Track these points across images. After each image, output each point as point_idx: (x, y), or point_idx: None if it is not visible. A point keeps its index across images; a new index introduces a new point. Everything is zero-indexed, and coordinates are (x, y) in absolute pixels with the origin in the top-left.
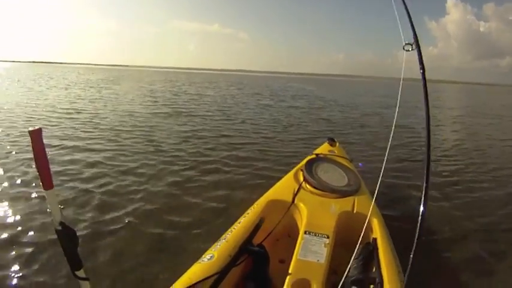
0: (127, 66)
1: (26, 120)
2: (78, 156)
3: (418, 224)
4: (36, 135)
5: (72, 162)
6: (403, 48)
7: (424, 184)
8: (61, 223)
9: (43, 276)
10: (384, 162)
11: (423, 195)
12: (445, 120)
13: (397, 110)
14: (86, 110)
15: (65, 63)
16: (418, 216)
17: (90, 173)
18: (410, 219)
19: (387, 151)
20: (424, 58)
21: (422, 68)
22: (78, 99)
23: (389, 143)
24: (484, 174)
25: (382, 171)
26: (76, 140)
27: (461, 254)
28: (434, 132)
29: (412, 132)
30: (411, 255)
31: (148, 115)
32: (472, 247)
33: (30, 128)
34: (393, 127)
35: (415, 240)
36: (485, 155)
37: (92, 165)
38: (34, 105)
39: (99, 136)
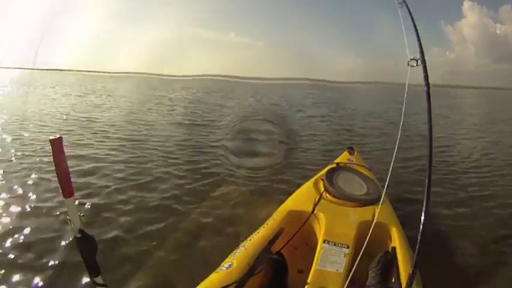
0: (143, 73)
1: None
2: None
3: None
4: (56, 144)
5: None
6: (408, 64)
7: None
8: (80, 230)
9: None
10: (391, 168)
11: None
12: (467, 127)
13: (401, 123)
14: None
15: (67, 69)
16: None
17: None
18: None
19: (394, 155)
20: (440, 63)
21: (427, 84)
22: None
23: (396, 149)
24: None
25: (389, 176)
26: None
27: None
28: (456, 140)
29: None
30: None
31: (168, 124)
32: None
33: (51, 137)
34: (398, 136)
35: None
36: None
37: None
38: None
39: None
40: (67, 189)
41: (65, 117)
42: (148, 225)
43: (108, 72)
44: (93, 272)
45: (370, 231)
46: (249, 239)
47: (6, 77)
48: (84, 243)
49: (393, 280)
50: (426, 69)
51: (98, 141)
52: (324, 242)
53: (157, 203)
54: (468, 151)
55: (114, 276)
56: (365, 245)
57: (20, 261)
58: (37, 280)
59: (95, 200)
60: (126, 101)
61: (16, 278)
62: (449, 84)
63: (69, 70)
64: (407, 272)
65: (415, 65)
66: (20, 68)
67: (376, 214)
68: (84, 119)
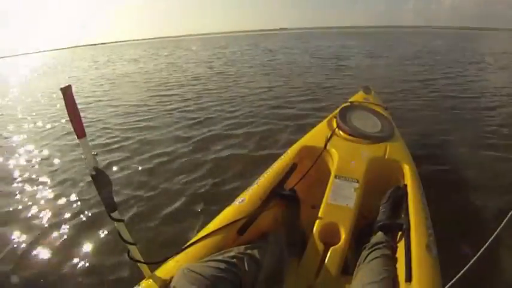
0: (169, 37)
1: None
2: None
3: None
4: (67, 91)
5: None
6: None
7: None
8: (95, 168)
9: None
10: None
11: None
12: None
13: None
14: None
15: (106, 43)
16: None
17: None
18: (445, 167)
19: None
20: None
21: None
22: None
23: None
24: None
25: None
26: None
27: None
28: None
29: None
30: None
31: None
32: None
33: (62, 86)
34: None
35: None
36: None
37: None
38: None
39: None
40: (79, 129)
41: None
42: None
43: (137, 40)
44: (110, 207)
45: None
46: (262, 175)
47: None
48: (99, 180)
49: (402, 216)
50: None
51: None
52: (335, 177)
53: None
54: None
55: None
56: (376, 181)
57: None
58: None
59: None
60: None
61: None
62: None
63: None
64: (417, 208)
65: None
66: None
67: (388, 151)
68: None
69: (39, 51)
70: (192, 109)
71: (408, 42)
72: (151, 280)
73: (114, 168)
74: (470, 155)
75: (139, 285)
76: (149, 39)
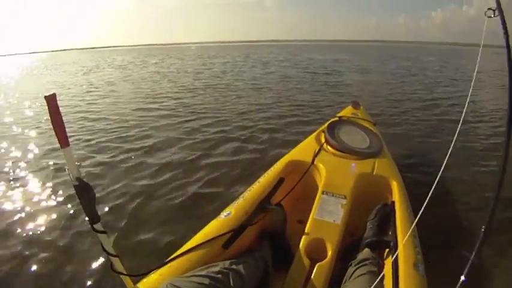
0: (158, 44)
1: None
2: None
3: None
4: (51, 99)
5: None
6: (485, 14)
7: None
8: (78, 179)
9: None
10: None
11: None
12: None
13: (474, 77)
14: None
15: (96, 47)
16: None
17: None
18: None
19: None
20: None
21: (506, 33)
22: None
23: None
24: None
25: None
26: None
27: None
28: None
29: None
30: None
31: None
32: None
33: (46, 94)
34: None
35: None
36: None
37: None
38: None
39: None
40: (63, 139)
41: None
42: None
43: (125, 46)
44: (93, 218)
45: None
46: (248, 189)
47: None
48: (82, 191)
49: (390, 233)
50: (504, 19)
51: None
52: (322, 192)
53: None
54: None
55: None
56: (363, 197)
57: None
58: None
59: None
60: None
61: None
62: None
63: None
64: (405, 226)
65: (492, 16)
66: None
67: (376, 167)
68: None
69: (27, 53)
70: (178, 121)
71: (400, 58)
72: None
73: (97, 179)
74: (458, 172)
75: None
76: (139, 45)
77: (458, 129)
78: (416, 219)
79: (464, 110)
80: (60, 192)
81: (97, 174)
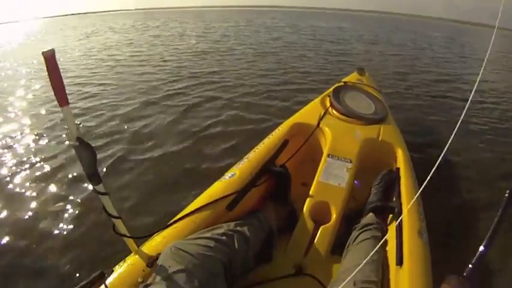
0: (160, 8)
1: None
2: None
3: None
4: (49, 56)
5: None
6: None
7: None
8: (78, 138)
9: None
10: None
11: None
12: None
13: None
14: None
15: (97, 12)
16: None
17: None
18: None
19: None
20: None
21: None
22: None
23: None
24: None
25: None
26: None
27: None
28: None
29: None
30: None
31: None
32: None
33: (44, 50)
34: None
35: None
36: None
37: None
38: None
39: None
40: (62, 97)
41: None
42: None
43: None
44: (94, 180)
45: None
46: (253, 150)
47: None
48: (83, 151)
49: (394, 199)
50: None
51: None
52: (328, 156)
53: None
54: None
55: None
56: (368, 162)
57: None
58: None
59: None
60: None
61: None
62: None
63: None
64: (410, 193)
65: None
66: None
67: (381, 133)
68: None
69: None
70: (180, 86)
71: (405, 30)
72: (137, 256)
73: (99, 140)
74: (461, 144)
75: (125, 261)
76: (141, 9)
77: (467, 106)
78: (422, 187)
79: (475, 88)
80: (59, 152)
81: (97, 136)
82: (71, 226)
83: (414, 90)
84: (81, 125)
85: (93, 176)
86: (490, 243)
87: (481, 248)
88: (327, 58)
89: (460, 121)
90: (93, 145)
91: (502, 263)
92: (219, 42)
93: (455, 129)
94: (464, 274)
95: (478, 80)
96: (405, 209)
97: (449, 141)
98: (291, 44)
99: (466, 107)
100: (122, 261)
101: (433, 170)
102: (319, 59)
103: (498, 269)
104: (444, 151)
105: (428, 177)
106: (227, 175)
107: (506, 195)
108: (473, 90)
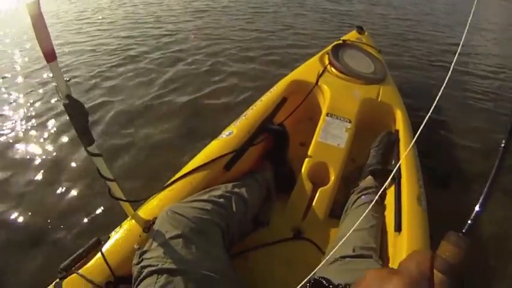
0: None
1: None
2: None
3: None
4: (34, 7)
5: None
6: None
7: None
8: (68, 96)
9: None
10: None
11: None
12: None
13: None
14: None
15: None
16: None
17: None
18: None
19: None
20: None
21: None
22: None
23: None
24: None
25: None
26: None
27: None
28: None
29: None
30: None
31: None
32: None
33: (28, 1)
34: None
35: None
36: None
37: None
38: None
39: None
40: (49, 52)
41: None
42: None
43: None
44: (86, 140)
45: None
46: (251, 108)
47: None
48: (73, 109)
49: (393, 163)
50: None
51: None
52: (327, 115)
53: None
54: None
55: None
56: (367, 123)
57: None
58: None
59: None
60: None
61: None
62: None
63: None
64: (409, 157)
65: None
66: None
67: (381, 93)
68: None
69: None
70: (175, 49)
71: None
72: (133, 221)
73: (90, 96)
74: (461, 108)
75: (121, 226)
76: None
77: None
78: (413, 141)
79: (461, 44)
80: (49, 112)
81: (88, 94)
82: (65, 191)
83: (410, 52)
84: (69, 81)
85: (85, 136)
86: (487, 198)
87: (479, 203)
88: (325, 17)
89: (448, 76)
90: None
91: (499, 218)
92: (215, 0)
93: (444, 82)
94: (464, 231)
95: (462, 41)
96: (404, 174)
97: (438, 95)
98: (289, 1)
99: (454, 62)
100: (118, 227)
101: (422, 125)
102: (317, 17)
103: (496, 223)
104: (433, 106)
105: (418, 132)
106: (224, 133)
107: (502, 145)
108: (460, 46)
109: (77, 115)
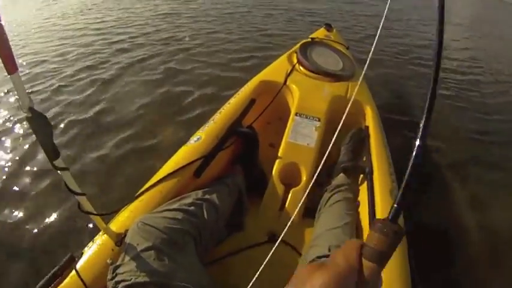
0: None
1: None
2: None
3: None
4: None
5: None
6: None
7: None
8: (31, 109)
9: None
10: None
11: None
12: None
13: None
14: None
15: None
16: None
17: None
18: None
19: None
20: None
21: None
22: None
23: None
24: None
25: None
26: None
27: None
28: None
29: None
30: None
31: None
32: None
33: None
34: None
35: None
36: None
37: None
38: None
39: None
40: (10, 63)
41: None
42: None
43: None
44: (51, 154)
45: (348, 106)
46: (219, 111)
47: None
48: (36, 123)
49: (364, 159)
50: None
51: None
52: (296, 114)
53: None
54: None
55: None
56: (336, 120)
57: None
58: None
59: None
60: None
61: None
62: None
63: None
64: (380, 152)
65: None
66: None
67: (350, 90)
68: None
69: None
70: (142, 51)
71: None
72: (105, 236)
73: (53, 108)
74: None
75: (93, 241)
76: None
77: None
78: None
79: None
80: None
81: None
82: (35, 207)
83: (382, 48)
84: (32, 94)
85: (50, 150)
86: (408, 184)
87: (401, 187)
88: (295, 17)
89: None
90: (47, 116)
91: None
92: (183, 3)
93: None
94: (389, 217)
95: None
96: (376, 169)
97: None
98: (258, 2)
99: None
100: (91, 242)
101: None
102: (286, 17)
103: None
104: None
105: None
106: (192, 139)
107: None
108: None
109: (41, 128)
